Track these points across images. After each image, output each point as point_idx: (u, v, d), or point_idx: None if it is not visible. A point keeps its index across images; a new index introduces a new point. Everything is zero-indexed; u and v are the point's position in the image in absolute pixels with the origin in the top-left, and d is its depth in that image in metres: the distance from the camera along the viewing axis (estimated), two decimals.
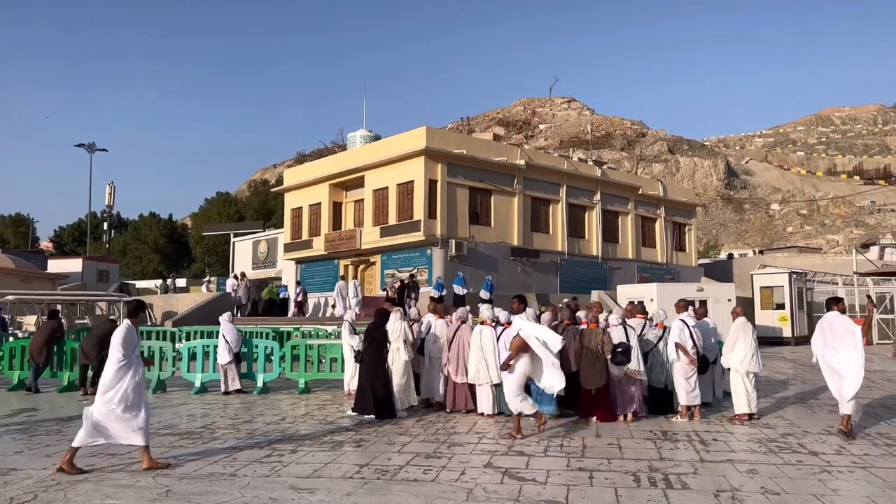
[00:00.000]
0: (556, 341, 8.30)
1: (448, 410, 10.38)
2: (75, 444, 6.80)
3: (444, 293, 24.01)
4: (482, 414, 9.93)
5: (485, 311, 10.53)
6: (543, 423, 8.76)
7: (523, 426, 8.47)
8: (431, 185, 28.25)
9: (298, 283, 31.48)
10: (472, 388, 10.19)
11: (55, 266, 47.97)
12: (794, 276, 27.58)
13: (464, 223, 29.05)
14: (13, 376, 14.09)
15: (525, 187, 31.51)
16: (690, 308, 10.29)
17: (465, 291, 24.83)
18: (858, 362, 8.14)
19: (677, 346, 9.55)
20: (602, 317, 10.47)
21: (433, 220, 28.10)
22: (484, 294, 24.79)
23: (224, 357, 12.98)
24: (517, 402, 8.35)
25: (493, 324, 10.09)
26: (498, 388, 9.86)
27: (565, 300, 13.17)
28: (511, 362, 8.33)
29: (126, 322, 7.23)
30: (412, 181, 28.59)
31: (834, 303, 8.66)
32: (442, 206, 28.30)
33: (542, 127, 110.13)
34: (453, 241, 28.00)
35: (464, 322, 10.58)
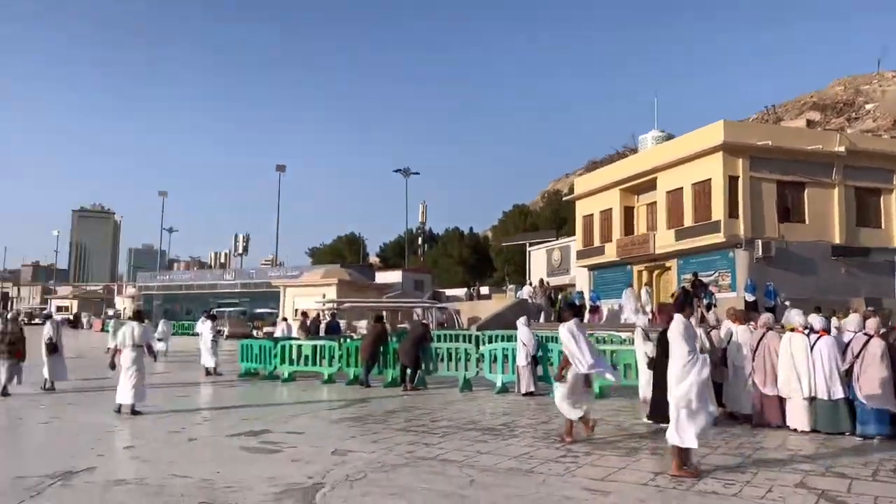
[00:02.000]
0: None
1: (754, 424, 9.58)
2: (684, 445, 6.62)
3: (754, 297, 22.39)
4: (794, 430, 8.99)
5: (795, 316, 9.59)
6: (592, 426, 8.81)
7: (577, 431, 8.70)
8: (732, 181, 26.32)
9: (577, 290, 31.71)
10: (782, 400, 9.30)
11: (381, 277, 55.81)
12: None
13: (771, 221, 26.48)
14: (350, 372, 16.43)
15: (846, 177, 27.63)
16: None
17: (754, 298, 22.66)
18: None
19: None
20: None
21: (734, 220, 26.13)
22: (768, 302, 22.25)
23: (521, 360, 13.64)
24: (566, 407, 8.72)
25: (806, 331, 9.13)
26: (813, 401, 8.87)
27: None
28: (563, 372, 8.81)
29: (679, 316, 6.72)
30: (709, 179, 26.94)
31: None
32: (744, 203, 26.18)
33: (868, 107, 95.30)
34: (759, 242, 25.70)
35: (769, 329, 9.71)
